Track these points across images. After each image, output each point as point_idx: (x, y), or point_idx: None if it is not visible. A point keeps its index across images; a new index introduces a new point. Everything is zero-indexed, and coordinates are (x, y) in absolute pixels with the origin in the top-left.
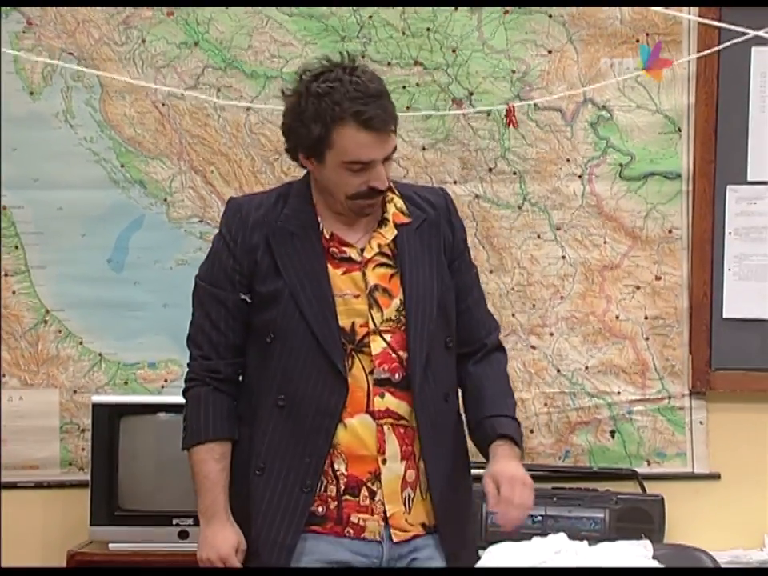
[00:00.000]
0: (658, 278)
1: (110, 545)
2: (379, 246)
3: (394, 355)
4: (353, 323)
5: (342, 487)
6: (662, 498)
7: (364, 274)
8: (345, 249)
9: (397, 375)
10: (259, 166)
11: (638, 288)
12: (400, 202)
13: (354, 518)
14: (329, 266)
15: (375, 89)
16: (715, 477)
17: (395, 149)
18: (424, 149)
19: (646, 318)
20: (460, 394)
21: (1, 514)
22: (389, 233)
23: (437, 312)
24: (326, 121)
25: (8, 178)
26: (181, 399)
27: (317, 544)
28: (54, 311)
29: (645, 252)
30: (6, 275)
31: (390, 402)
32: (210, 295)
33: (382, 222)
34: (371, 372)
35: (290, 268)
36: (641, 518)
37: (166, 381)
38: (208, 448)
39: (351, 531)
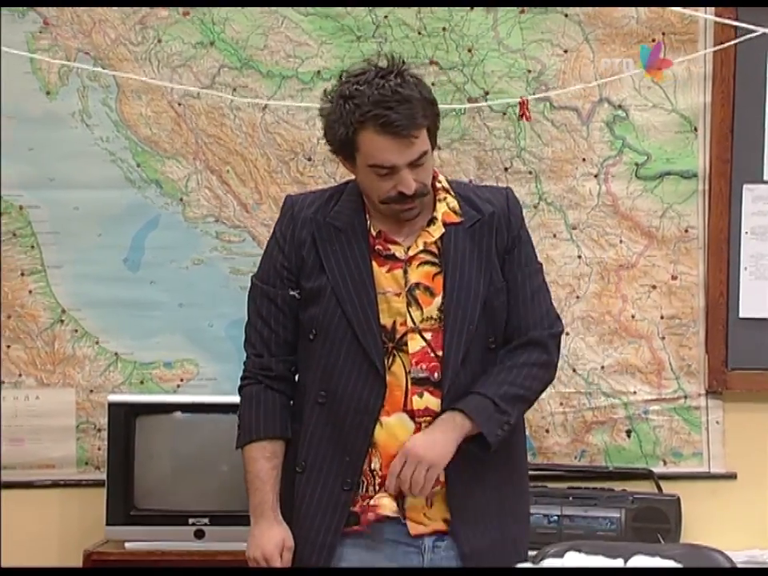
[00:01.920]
0: (674, 278)
1: (126, 544)
2: (425, 243)
3: (432, 354)
4: (394, 321)
5: (378, 486)
6: (678, 498)
7: (406, 272)
8: (390, 246)
9: (435, 375)
10: (275, 166)
11: (654, 287)
12: (453, 202)
13: (372, 502)
14: (374, 263)
15: (403, 93)
16: (732, 476)
17: (424, 155)
18: (440, 148)
19: (662, 317)
20: None
21: (0, 513)
22: (436, 231)
23: (480, 312)
24: (348, 124)
25: (24, 178)
26: (196, 398)
27: (354, 551)
28: (70, 311)
29: (661, 251)
30: (22, 275)
31: (429, 401)
32: (261, 293)
33: (431, 220)
34: (410, 371)
35: (333, 264)
36: (657, 518)
37: (181, 380)
38: (259, 446)
39: (372, 516)
